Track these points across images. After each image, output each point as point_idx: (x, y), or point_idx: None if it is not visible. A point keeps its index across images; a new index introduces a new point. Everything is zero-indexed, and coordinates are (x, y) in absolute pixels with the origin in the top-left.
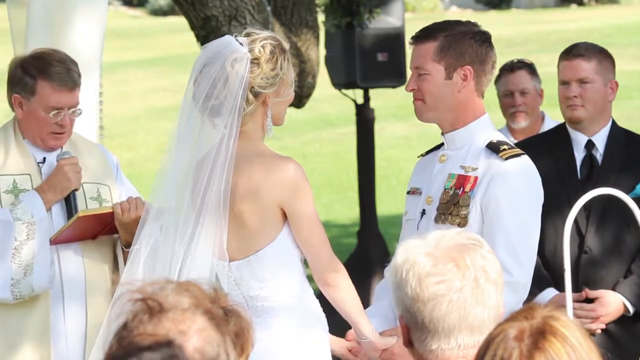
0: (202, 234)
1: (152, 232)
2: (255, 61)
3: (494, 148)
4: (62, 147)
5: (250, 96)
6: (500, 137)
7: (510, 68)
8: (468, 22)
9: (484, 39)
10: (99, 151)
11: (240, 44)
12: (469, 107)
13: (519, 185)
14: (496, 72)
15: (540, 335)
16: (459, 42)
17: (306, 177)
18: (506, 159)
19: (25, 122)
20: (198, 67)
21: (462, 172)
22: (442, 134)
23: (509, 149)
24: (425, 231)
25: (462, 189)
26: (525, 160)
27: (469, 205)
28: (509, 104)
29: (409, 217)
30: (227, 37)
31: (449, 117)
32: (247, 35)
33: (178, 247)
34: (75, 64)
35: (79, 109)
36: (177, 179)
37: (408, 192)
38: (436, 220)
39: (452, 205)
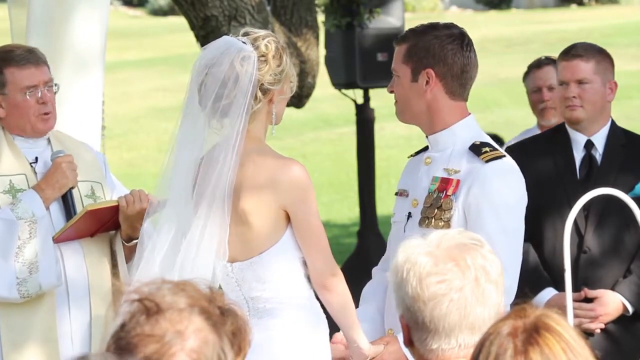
0: (205, 232)
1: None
2: (262, 58)
3: (476, 150)
4: (52, 145)
5: (260, 94)
6: (485, 138)
7: (538, 64)
8: (448, 25)
9: (455, 41)
10: (87, 149)
11: (243, 42)
12: (442, 109)
13: (499, 188)
14: (474, 75)
15: (534, 331)
16: (424, 44)
17: (309, 179)
18: (487, 161)
19: (9, 117)
20: (201, 70)
21: (445, 175)
22: (426, 136)
23: (490, 151)
24: (410, 234)
25: (444, 192)
26: (507, 163)
27: (451, 208)
28: (537, 100)
29: (396, 219)
30: (228, 37)
31: (423, 119)
32: (246, 34)
33: (180, 244)
34: (36, 48)
35: (56, 85)
36: (181, 181)
37: (396, 193)
38: (420, 223)
39: (436, 209)
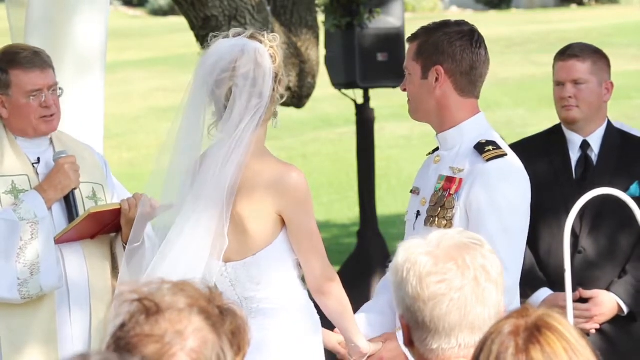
0: (200, 229)
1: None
2: (272, 51)
3: (479, 149)
4: (54, 146)
5: (279, 87)
6: (492, 136)
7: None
8: (459, 22)
9: (464, 37)
10: (88, 151)
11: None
12: (451, 107)
13: (500, 187)
14: (484, 72)
15: (536, 329)
16: (433, 41)
17: (307, 185)
18: (488, 160)
19: (13, 118)
20: (220, 75)
21: (450, 174)
22: (436, 135)
23: (493, 149)
24: (417, 233)
25: (448, 191)
26: (508, 161)
27: (454, 207)
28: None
29: (407, 217)
30: (231, 40)
31: (433, 117)
32: (238, 34)
33: (178, 243)
34: (42, 51)
35: (60, 89)
36: (183, 183)
37: (411, 191)
38: (425, 222)
39: (440, 208)
